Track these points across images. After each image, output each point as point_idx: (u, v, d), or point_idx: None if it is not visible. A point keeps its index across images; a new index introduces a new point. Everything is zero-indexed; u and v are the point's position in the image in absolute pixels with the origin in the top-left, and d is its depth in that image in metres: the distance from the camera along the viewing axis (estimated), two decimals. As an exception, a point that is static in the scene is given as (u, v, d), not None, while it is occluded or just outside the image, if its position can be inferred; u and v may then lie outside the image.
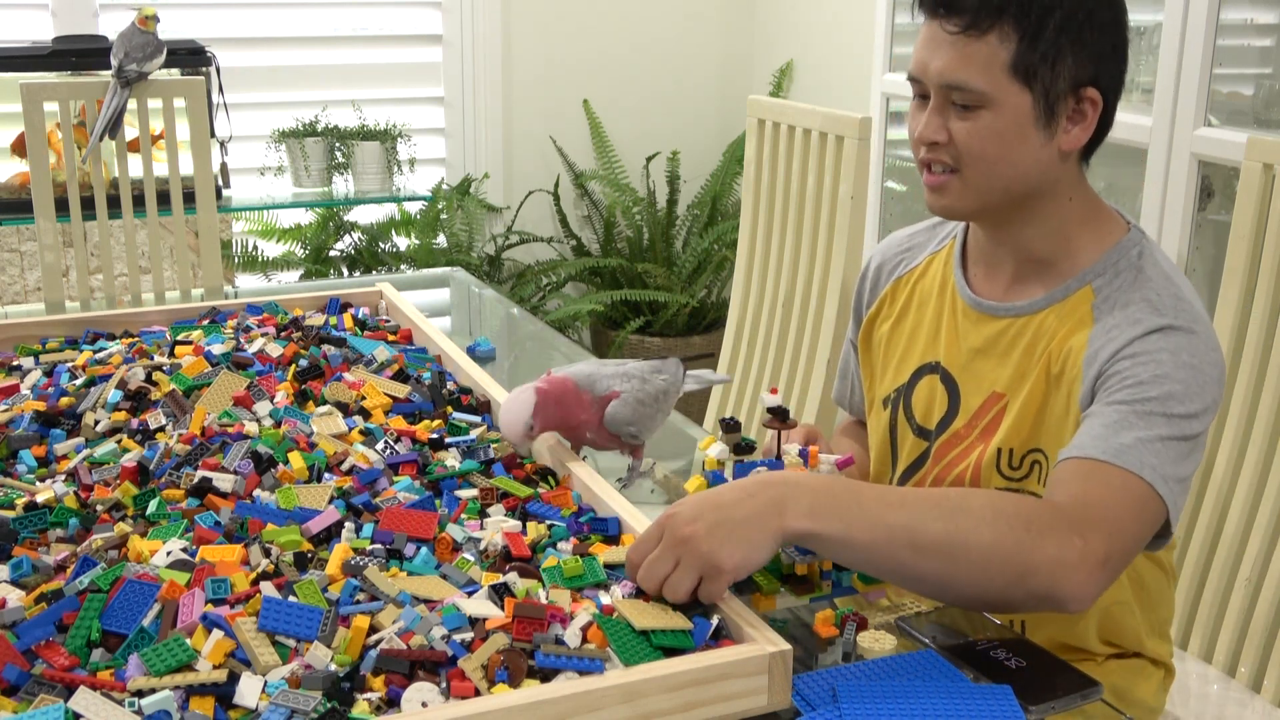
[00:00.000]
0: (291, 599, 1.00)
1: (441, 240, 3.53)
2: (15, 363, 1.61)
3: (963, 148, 1.27)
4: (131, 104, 2.47)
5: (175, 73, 2.93)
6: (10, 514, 1.18)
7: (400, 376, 1.54)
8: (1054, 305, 1.31)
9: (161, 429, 1.37)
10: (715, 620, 1.01)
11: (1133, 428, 1.17)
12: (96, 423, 1.38)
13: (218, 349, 1.57)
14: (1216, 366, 1.24)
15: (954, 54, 1.25)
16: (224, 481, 1.22)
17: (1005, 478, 1.33)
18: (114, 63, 2.44)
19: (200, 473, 1.23)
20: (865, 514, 1.04)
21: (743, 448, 1.26)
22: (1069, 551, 1.06)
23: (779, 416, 1.28)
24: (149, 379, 1.49)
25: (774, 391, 1.31)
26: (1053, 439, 1.30)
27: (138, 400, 1.43)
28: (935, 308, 1.43)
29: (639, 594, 1.04)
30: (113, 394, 1.43)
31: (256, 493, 1.23)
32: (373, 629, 0.98)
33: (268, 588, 1.02)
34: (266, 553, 1.10)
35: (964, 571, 1.05)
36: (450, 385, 1.56)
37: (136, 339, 1.68)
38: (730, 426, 1.26)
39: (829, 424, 2.23)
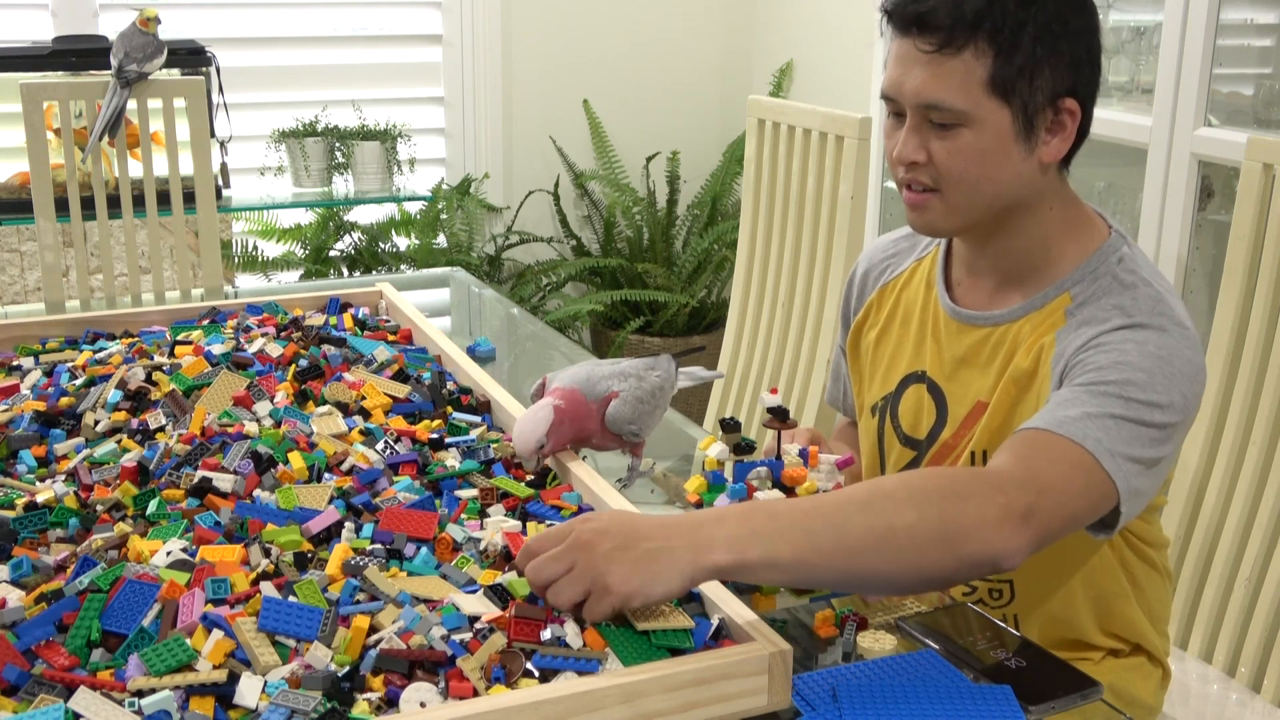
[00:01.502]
0: (291, 599, 1.00)
1: (441, 240, 3.53)
2: (15, 363, 1.61)
3: (943, 168, 1.25)
4: (131, 104, 2.47)
5: (175, 73, 2.93)
6: (10, 514, 1.18)
7: (400, 376, 1.54)
8: (1031, 313, 1.31)
9: (161, 429, 1.37)
10: (715, 620, 1.01)
11: (1083, 404, 1.15)
12: (96, 423, 1.38)
13: (218, 349, 1.57)
14: (1191, 364, 1.21)
15: (929, 73, 1.22)
16: (224, 481, 1.22)
17: None
18: (114, 63, 2.44)
19: (200, 473, 1.23)
20: (784, 530, 0.99)
21: (743, 448, 1.26)
22: (990, 508, 1.03)
23: (779, 416, 1.28)
24: (149, 379, 1.49)
25: (774, 391, 1.31)
26: None
27: (138, 400, 1.43)
28: (920, 317, 1.42)
29: None
30: (113, 394, 1.43)
31: (256, 493, 1.23)
32: (373, 629, 0.98)
33: (268, 588, 1.02)
34: (266, 553, 1.10)
35: (898, 557, 1.01)
36: (450, 385, 1.56)
37: (136, 339, 1.68)
38: (730, 427, 1.26)
39: (829, 424, 2.23)
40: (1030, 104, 1.23)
